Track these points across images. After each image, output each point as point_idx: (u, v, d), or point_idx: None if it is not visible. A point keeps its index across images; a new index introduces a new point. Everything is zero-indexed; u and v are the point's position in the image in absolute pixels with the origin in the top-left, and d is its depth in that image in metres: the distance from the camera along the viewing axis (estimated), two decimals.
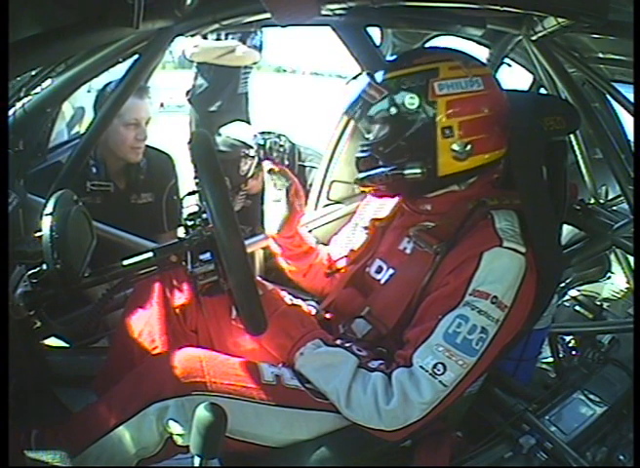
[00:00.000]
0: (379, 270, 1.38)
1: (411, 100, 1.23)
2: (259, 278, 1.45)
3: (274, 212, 1.46)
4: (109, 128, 1.91)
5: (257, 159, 2.35)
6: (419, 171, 1.24)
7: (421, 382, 1.11)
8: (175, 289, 1.43)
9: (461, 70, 1.25)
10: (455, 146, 1.23)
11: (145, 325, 1.38)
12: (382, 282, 1.35)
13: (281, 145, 2.43)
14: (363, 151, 1.34)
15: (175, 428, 1.10)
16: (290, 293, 1.55)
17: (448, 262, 1.19)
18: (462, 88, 1.23)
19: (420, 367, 1.12)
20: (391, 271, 1.34)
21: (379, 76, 1.30)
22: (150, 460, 1.15)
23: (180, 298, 1.42)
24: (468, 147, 1.23)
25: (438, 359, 1.11)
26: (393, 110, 1.25)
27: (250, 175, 2.35)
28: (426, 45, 2.16)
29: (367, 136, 1.37)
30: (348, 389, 1.14)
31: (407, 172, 1.25)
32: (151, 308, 1.39)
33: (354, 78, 2.10)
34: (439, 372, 1.11)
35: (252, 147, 2.36)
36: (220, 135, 2.43)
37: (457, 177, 1.27)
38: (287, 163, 2.44)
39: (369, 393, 1.13)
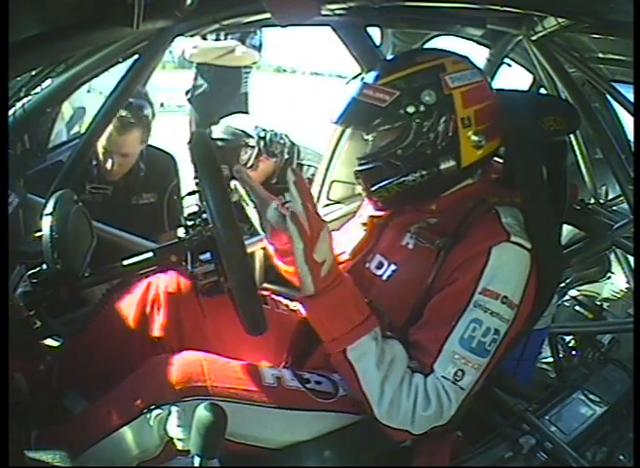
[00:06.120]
0: (379, 266, 1.34)
1: (428, 97, 1.23)
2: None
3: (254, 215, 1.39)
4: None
5: (257, 150, 2.36)
6: (453, 163, 1.24)
7: (449, 390, 1.12)
8: (154, 312, 1.39)
9: (463, 64, 1.27)
10: (473, 135, 1.24)
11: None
12: (385, 278, 1.31)
13: (281, 138, 2.43)
14: (370, 162, 1.30)
15: (175, 432, 1.09)
16: (287, 297, 1.54)
17: (454, 258, 1.18)
18: (469, 79, 1.26)
19: (443, 376, 1.13)
20: (393, 267, 1.31)
21: (372, 79, 1.27)
22: (150, 463, 1.14)
23: (156, 330, 1.39)
24: (483, 135, 1.25)
25: (457, 366, 1.12)
26: (410, 109, 1.23)
27: (249, 164, 2.35)
28: (426, 45, 2.17)
29: (372, 143, 1.32)
30: (398, 391, 1.12)
31: (442, 166, 1.24)
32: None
33: (354, 78, 2.10)
34: (459, 378, 1.12)
35: (252, 137, 2.36)
36: (217, 123, 2.44)
37: (474, 168, 1.28)
38: (286, 157, 2.44)
39: (411, 398, 1.12)
